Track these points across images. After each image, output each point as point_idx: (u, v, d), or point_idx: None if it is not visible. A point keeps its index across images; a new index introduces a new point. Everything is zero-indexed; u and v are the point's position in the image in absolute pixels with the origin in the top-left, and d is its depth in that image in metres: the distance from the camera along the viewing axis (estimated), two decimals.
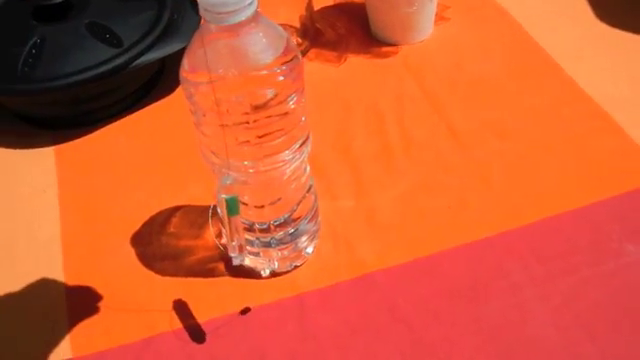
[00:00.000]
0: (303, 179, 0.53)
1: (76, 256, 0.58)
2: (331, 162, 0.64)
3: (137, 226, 0.60)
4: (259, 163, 0.48)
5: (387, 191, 0.61)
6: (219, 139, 0.46)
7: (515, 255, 0.55)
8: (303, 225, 0.54)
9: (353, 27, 0.79)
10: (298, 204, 0.53)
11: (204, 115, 0.46)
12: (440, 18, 0.78)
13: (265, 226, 0.52)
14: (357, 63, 0.75)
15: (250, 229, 0.53)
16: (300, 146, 0.49)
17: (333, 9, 0.82)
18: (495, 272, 0.54)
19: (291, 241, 0.54)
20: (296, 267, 0.56)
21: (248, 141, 0.46)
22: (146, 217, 0.61)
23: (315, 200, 0.55)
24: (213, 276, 0.56)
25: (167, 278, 0.56)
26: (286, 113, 0.46)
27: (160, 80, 0.74)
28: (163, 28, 0.68)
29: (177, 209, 0.61)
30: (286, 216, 0.53)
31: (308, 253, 0.56)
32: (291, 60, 0.45)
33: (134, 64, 0.66)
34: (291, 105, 0.46)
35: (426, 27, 0.76)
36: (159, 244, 0.59)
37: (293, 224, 0.54)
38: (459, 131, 0.66)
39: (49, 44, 0.67)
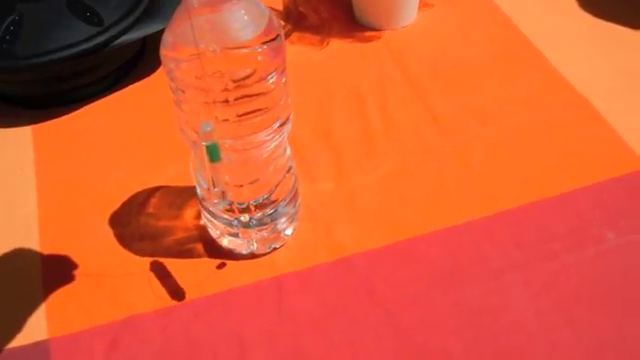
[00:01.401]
0: (283, 160, 0.53)
1: (53, 235, 0.58)
2: (311, 145, 0.64)
3: (116, 206, 0.60)
4: (238, 142, 0.47)
5: (367, 175, 0.61)
6: (199, 116, 0.45)
7: (495, 240, 0.55)
8: (282, 207, 0.54)
9: (336, 11, 0.79)
10: (277, 185, 0.53)
11: (184, 92, 0.45)
12: (424, 4, 0.78)
13: (244, 206, 0.52)
14: (339, 47, 0.74)
15: (229, 209, 0.52)
16: (280, 126, 0.49)
17: None
18: (474, 257, 0.54)
19: (270, 222, 0.54)
20: (275, 249, 0.56)
21: (227, 119, 0.46)
22: (125, 197, 0.60)
23: (295, 182, 0.55)
24: (191, 257, 0.56)
25: (145, 258, 0.56)
26: (266, 92, 0.46)
27: (140, 61, 0.73)
28: (144, 8, 0.67)
29: (156, 189, 0.61)
30: (265, 197, 0.53)
31: (287, 235, 0.56)
32: (273, 39, 0.45)
33: (114, 43, 0.65)
34: (271, 84, 0.45)
35: (410, 13, 0.75)
36: (137, 224, 0.58)
37: (272, 205, 0.53)
38: (440, 116, 0.66)
39: (28, 21, 0.66)
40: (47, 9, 0.66)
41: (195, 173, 0.53)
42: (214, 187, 0.48)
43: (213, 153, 0.46)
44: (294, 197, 0.55)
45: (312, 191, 0.59)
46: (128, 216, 0.59)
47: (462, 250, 0.55)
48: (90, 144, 0.66)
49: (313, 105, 0.68)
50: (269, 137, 0.48)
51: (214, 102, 0.45)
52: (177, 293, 0.53)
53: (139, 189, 0.61)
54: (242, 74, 0.44)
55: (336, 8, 0.79)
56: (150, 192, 0.61)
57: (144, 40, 0.72)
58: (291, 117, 0.50)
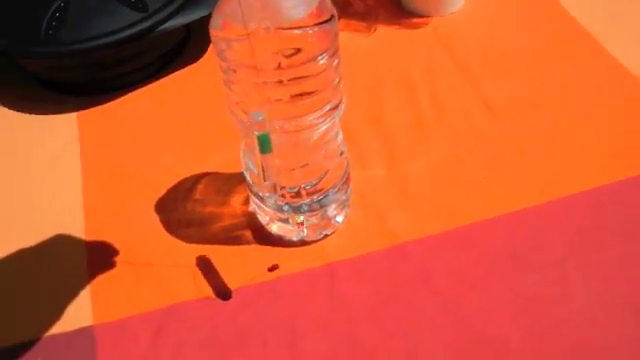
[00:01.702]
0: (334, 145, 0.51)
1: (98, 221, 0.57)
2: (362, 131, 0.62)
3: (162, 192, 0.59)
4: (289, 123, 0.46)
5: (419, 161, 0.59)
6: (250, 97, 0.44)
7: (555, 227, 0.53)
8: (333, 193, 0.52)
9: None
10: (328, 170, 0.51)
11: (235, 72, 0.44)
12: None
13: (295, 190, 0.50)
14: (387, 33, 0.73)
15: (280, 193, 0.51)
16: (331, 109, 0.47)
17: None
18: (534, 243, 0.52)
19: (320, 208, 0.53)
20: (326, 236, 0.54)
21: (280, 99, 0.44)
22: (171, 183, 0.59)
23: (347, 167, 0.53)
24: (240, 244, 0.54)
25: (192, 245, 0.54)
26: (317, 73, 0.44)
27: (186, 48, 0.72)
28: None
29: (203, 176, 0.60)
30: (316, 181, 0.51)
31: (338, 222, 0.55)
32: (327, 21, 0.44)
33: (159, 29, 0.64)
34: (321, 65, 0.44)
35: None
36: (184, 210, 0.57)
37: (323, 191, 0.52)
38: (492, 102, 0.64)
39: (73, 7, 0.65)
40: None
41: (245, 158, 0.52)
42: (264, 180, 0.47)
43: (264, 144, 0.45)
44: (345, 183, 0.54)
45: (364, 177, 0.58)
46: (174, 202, 0.58)
47: (521, 237, 0.52)
48: (135, 130, 0.65)
49: (363, 91, 0.66)
50: (320, 120, 0.47)
51: (266, 83, 0.43)
52: (223, 293, 0.51)
53: (186, 175, 0.60)
54: (294, 52, 0.43)
55: None
56: (197, 178, 0.60)
57: (189, 27, 0.71)
58: (344, 100, 0.49)
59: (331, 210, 0.53)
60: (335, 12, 0.44)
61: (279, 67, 0.42)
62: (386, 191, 0.57)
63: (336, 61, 0.46)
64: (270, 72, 0.43)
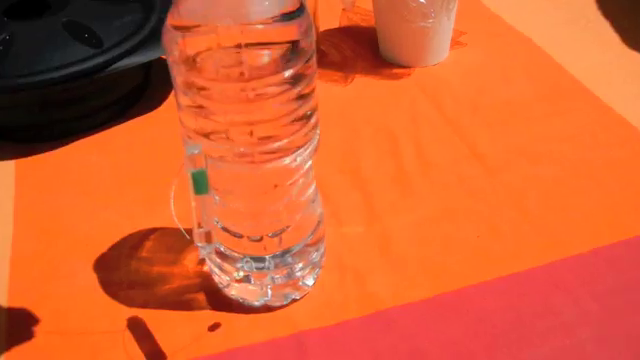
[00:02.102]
0: (306, 190, 0.44)
1: (25, 280, 0.48)
2: (337, 184, 0.54)
3: (102, 249, 0.50)
4: (255, 149, 0.38)
5: (403, 217, 0.52)
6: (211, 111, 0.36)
7: (564, 290, 0.45)
8: (299, 247, 0.44)
9: (360, 49, 0.71)
10: (297, 218, 0.43)
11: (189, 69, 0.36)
12: (456, 43, 0.70)
13: (258, 238, 0.42)
14: (365, 84, 0.67)
15: (238, 243, 0.42)
16: (303, 141, 0.40)
17: (338, 31, 0.75)
18: (542, 309, 0.44)
19: (286, 265, 0.44)
20: (294, 301, 0.46)
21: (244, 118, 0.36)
22: (114, 240, 0.51)
23: (320, 217, 0.46)
24: (192, 309, 0.46)
25: (134, 309, 0.46)
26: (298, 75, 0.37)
27: (142, 97, 0.65)
28: (150, 31, 0.60)
29: (152, 231, 0.51)
30: (283, 229, 0.43)
31: (308, 285, 0.46)
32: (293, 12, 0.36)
33: (114, 67, 0.57)
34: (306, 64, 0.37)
35: (442, 48, 0.68)
36: (127, 270, 0.48)
37: (291, 241, 0.44)
38: (484, 155, 0.57)
39: (19, 41, 0.58)
40: (41, 29, 0.59)
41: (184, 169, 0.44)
42: (197, 227, 0.39)
43: (200, 182, 0.37)
44: (317, 239, 0.46)
45: (339, 235, 0.50)
46: (116, 260, 0.49)
47: (526, 301, 0.44)
48: (78, 181, 0.57)
49: (338, 142, 0.59)
50: (290, 152, 0.39)
51: (228, 92, 0.36)
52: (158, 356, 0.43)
53: (131, 231, 0.51)
54: (260, 60, 0.35)
55: (360, 46, 0.71)
56: (144, 234, 0.51)
57: (147, 72, 0.65)
58: (318, 135, 0.42)
59: (297, 269, 0.45)
60: (310, 17, 0.37)
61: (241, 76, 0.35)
62: (365, 250, 0.49)
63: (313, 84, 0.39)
64: (231, 81, 0.35)
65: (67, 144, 0.60)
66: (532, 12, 0.77)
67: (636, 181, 0.54)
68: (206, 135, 0.37)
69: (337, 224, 0.51)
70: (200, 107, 0.36)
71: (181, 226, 0.43)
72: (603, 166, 0.55)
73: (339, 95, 0.65)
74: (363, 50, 0.71)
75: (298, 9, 0.36)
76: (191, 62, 0.35)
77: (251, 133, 0.36)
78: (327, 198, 0.52)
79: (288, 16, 0.35)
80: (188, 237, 0.43)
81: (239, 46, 0.34)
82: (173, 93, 0.38)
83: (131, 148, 0.60)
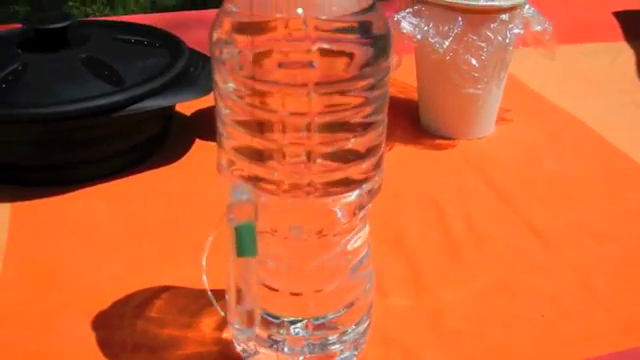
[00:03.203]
0: (358, 250, 0.37)
1: (11, 333, 0.40)
2: (379, 253, 0.47)
3: (105, 305, 0.43)
4: (317, 177, 0.31)
5: (455, 290, 0.45)
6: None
7: None
8: (339, 314, 0.37)
9: (399, 119, 0.66)
10: (339, 280, 0.36)
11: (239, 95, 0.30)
12: (501, 119, 0.65)
13: (297, 292, 0.35)
14: (406, 152, 0.61)
15: (273, 299, 0.35)
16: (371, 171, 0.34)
17: None
18: None
19: (325, 333, 0.37)
20: None
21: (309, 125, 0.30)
22: (119, 295, 0.43)
23: (369, 289, 0.39)
24: None
25: None
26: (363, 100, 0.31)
27: (160, 148, 0.59)
28: (175, 76, 0.55)
29: (163, 290, 0.44)
30: (339, 312, 0.36)
31: None
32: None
33: (134, 107, 0.51)
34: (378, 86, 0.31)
35: (489, 120, 0.63)
36: (132, 330, 0.41)
37: (331, 307, 0.37)
38: (542, 231, 0.51)
39: (32, 72, 0.53)
40: (57, 62, 0.54)
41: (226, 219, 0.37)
42: (237, 303, 0.32)
43: (244, 240, 0.30)
44: (361, 308, 0.39)
45: (383, 307, 0.43)
46: (120, 319, 0.42)
47: None
48: (82, 231, 0.50)
49: (378, 209, 0.52)
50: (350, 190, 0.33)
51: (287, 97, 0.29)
52: None
53: (139, 288, 0.44)
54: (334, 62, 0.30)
55: (398, 116, 0.66)
56: (154, 292, 0.44)
57: (168, 122, 0.59)
58: (381, 171, 0.35)
59: (337, 342, 0.38)
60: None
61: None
62: (414, 325, 0.42)
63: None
64: (294, 86, 0.29)
65: (73, 190, 0.53)
66: (577, 95, 0.72)
67: None
68: (257, 158, 0.31)
69: (381, 295, 0.44)
70: (254, 121, 0.30)
71: (209, 288, 0.36)
72: None
73: None
74: (402, 120, 0.66)
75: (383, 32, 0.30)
76: (248, 64, 0.29)
77: (309, 156, 0.30)
78: None
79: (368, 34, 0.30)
80: (222, 313, 0.36)
81: (309, 45, 0.28)
82: (216, 110, 0.32)
83: (145, 200, 0.54)
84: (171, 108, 0.59)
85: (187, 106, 0.63)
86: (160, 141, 0.59)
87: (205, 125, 0.63)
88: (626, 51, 0.84)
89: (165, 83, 0.53)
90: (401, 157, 0.60)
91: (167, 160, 0.58)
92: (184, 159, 0.59)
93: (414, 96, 0.66)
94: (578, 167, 0.59)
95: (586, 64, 0.80)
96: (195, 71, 0.57)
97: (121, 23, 0.66)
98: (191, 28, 0.77)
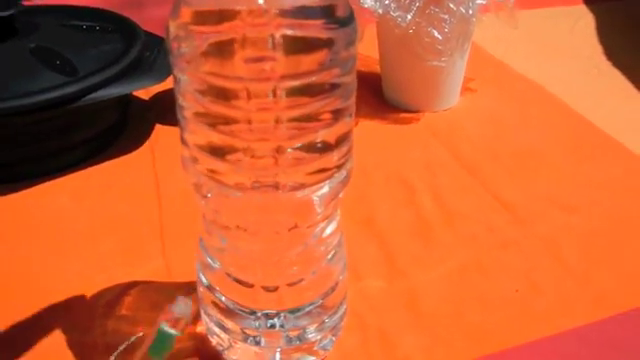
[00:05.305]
0: (331, 237, 0.36)
1: None
2: (351, 234, 0.47)
3: (72, 306, 0.42)
4: (286, 171, 0.30)
5: (429, 270, 0.45)
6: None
7: (623, 350, 0.38)
8: (315, 305, 0.36)
9: (362, 93, 0.64)
10: (315, 269, 0.36)
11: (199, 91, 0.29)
12: (465, 89, 0.65)
13: (273, 287, 0.34)
14: (371, 128, 0.60)
15: (249, 295, 0.34)
16: (341, 159, 0.33)
17: None
18: None
19: (301, 325, 0.36)
20: None
21: (276, 121, 0.29)
22: (87, 295, 0.42)
23: (342, 276, 0.38)
24: None
25: None
26: (336, 85, 0.30)
27: (119, 137, 0.57)
28: (131, 62, 0.53)
29: (132, 285, 0.43)
30: (301, 279, 0.35)
31: (326, 349, 0.38)
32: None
33: (90, 97, 0.49)
34: (345, 73, 0.30)
35: (453, 91, 0.62)
36: (103, 331, 0.40)
37: (308, 297, 0.36)
38: (512, 204, 0.51)
39: None
40: (5, 53, 0.51)
41: (201, 250, 0.36)
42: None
43: (160, 346, 0.34)
44: (338, 295, 0.38)
45: (358, 291, 0.42)
46: (89, 320, 0.41)
47: None
48: (43, 229, 0.48)
49: (347, 189, 0.52)
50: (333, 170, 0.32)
51: (254, 95, 0.28)
52: None
53: (108, 284, 0.43)
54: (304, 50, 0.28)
55: (361, 89, 0.64)
56: (123, 289, 0.43)
57: (125, 110, 0.57)
58: (351, 164, 0.35)
59: (314, 331, 0.37)
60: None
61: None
62: (390, 308, 0.42)
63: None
64: (259, 80, 0.28)
65: (31, 186, 0.52)
66: (540, 62, 0.72)
67: None
68: (222, 154, 0.30)
69: (355, 279, 0.43)
70: (218, 117, 0.29)
71: None
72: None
73: None
74: (365, 94, 0.65)
75: (348, 16, 0.29)
76: (209, 57, 0.28)
77: (278, 150, 0.29)
78: None
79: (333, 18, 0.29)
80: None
81: (271, 36, 0.27)
82: (177, 105, 0.31)
83: (107, 192, 0.52)
84: (128, 95, 0.57)
85: (145, 90, 0.61)
86: (119, 129, 0.58)
87: (165, 109, 0.61)
88: (585, 15, 0.84)
89: (121, 71, 0.52)
90: (366, 133, 0.59)
91: (127, 149, 0.57)
92: (145, 146, 0.57)
93: (376, 69, 0.65)
94: (544, 137, 0.59)
95: (547, 29, 0.80)
96: (151, 56, 0.55)
97: (70, 7, 0.63)
98: (145, 8, 0.75)
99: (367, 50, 0.65)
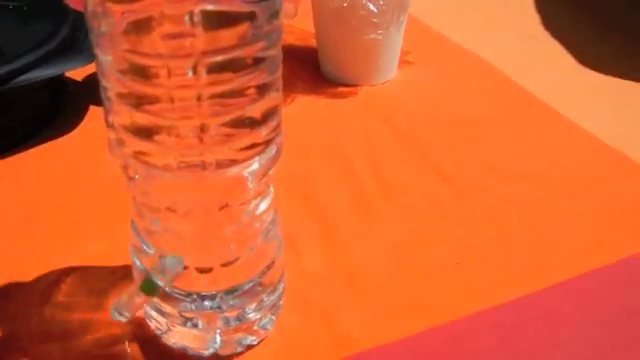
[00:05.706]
0: (265, 214, 0.36)
1: None
2: (289, 211, 0.47)
3: (8, 294, 0.40)
4: (207, 149, 0.30)
5: (369, 244, 0.45)
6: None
7: (564, 319, 0.39)
8: (252, 284, 0.36)
9: (298, 68, 0.64)
10: (250, 248, 0.35)
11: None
12: (403, 62, 0.65)
13: (207, 268, 0.34)
14: (308, 103, 0.60)
15: (183, 277, 0.34)
16: (272, 133, 0.32)
17: None
18: (544, 342, 0.37)
19: (240, 305, 0.36)
20: (250, 348, 0.37)
21: (199, 98, 0.28)
22: (22, 283, 0.41)
23: (279, 252, 0.38)
24: None
25: None
26: (260, 59, 0.29)
27: (53, 121, 0.56)
28: (60, 43, 0.51)
29: (69, 271, 0.42)
30: (236, 258, 0.35)
31: (266, 329, 0.38)
32: None
33: (19, 79, 0.48)
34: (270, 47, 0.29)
35: (391, 64, 0.62)
36: (40, 319, 0.39)
37: (244, 276, 0.36)
38: (451, 175, 0.51)
39: None
40: None
41: (134, 233, 0.35)
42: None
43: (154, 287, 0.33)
44: (275, 273, 0.38)
45: (298, 269, 0.42)
46: (26, 308, 0.40)
47: (524, 334, 0.38)
48: None
49: (285, 165, 0.51)
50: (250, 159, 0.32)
51: (174, 68, 0.27)
52: None
53: (43, 271, 0.42)
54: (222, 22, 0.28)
55: (297, 65, 0.65)
56: (60, 274, 0.42)
57: (58, 93, 0.56)
58: (280, 139, 0.34)
59: (253, 311, 0.37)
60: None
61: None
62: (330, 285, 0.42)
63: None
64: (180, 55, 0.27)
65: None
66: (478, 32, 0.73)
67: (616, 197, 0.49)
68: (147, 135, 0.29)
69: (294, 256, 0.43)
70: (140, 97, 0.28)
71: None
72: (580, 183, 0.50)
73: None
74: (302, 70, 0.64)
75: None
76: (129, 36, 0.27)
77: (202, 128, 0.29)
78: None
79: None
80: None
81: (190, 12, 0.26)
82: (101, 86, 0.30)
83: (41, 177, 0.51)
84: (60, 76, 0.55)
85: (78, 71, 0.59)
86: (52, 112, 0.56)
87: (99, 90, 0.59)
88: None
89: (51, 51, 0.50)
90: (303, 108, 0.59)
91: (61, 131, 0.55)
92: (79, 128, 0.56)
93: (313, 43, 0.65)
94: (483, 108, 0.60)
95: (485, 0, 0.80)
96: (82, 35, 0.53)
97: None
98: None
99: (303, 24, 0.65)
